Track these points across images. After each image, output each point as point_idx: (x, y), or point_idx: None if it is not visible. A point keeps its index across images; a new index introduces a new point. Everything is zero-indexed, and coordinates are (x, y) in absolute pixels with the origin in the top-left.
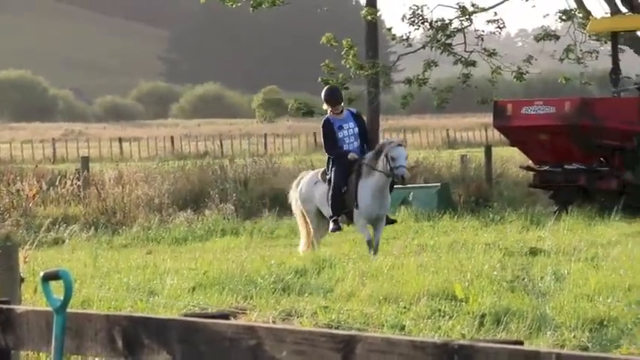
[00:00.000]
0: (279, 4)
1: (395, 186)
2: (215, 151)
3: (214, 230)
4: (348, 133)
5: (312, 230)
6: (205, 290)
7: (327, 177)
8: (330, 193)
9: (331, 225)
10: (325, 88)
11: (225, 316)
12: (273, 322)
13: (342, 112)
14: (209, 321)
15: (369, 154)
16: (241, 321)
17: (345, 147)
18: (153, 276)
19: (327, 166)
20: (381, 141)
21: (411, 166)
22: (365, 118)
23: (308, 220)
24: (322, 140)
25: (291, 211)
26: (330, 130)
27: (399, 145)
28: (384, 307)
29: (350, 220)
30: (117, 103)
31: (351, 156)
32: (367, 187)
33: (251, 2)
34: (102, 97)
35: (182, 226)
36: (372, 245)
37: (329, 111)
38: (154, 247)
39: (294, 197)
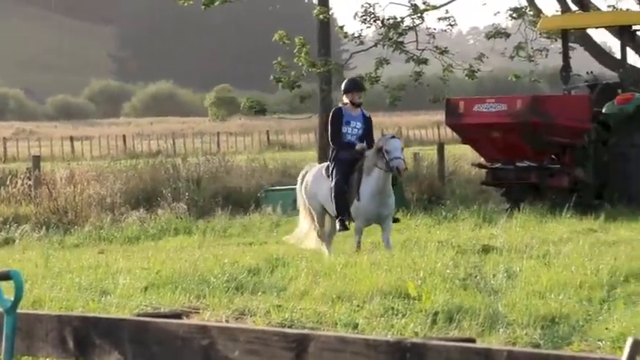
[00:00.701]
0: (231, 1)
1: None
2: (168, 149)
3: (167, 229)
4: (352, 132)
5: (317, 227)
6: (158, 290)
7: (330, 172)
8: (332, 194)
9: (338, 225)
10: (346, 79)
11: (178, 316)
12: (226, 322)
13: (359, 105)
14: (161, 320)
15: (370, 152)
16: (194, 320)
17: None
18: (105, 276)
19: (330, 161)
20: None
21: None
22: (317, 116)
23: (315, 216)
24: (329, 128)
25: (245, 209)
26: (337, 120)
27: (393, 137)
28: (337, 306)
29: (352, 219)
30: (68, 102)
31: (360, 146)
32: (368, 186)
33: (203, 0)
34: (53, 97)
35: (134, 226)
36: (359, 247)
37: (348, 103)
38: (106, 246)
39: (299, 191)
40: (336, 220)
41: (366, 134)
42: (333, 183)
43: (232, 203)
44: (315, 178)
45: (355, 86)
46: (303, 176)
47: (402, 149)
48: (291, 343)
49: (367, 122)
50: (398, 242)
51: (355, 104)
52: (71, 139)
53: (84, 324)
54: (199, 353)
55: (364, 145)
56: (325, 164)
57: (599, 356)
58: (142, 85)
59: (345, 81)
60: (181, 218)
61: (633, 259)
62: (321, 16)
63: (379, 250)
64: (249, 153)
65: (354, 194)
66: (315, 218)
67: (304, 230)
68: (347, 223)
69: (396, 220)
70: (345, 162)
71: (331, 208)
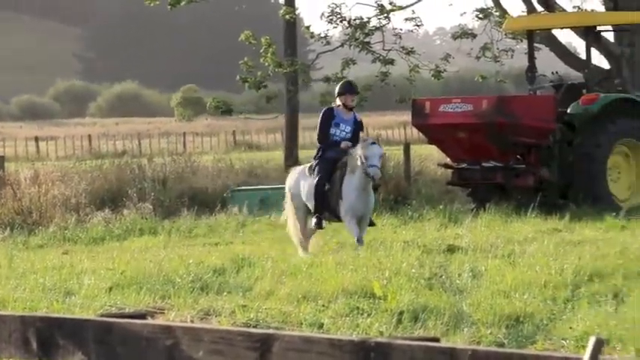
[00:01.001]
0: (197, 1)
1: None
2: (133, 150)
3: (132, 230)
4: (340, 134)
5: (299, 227)
6: (123, 290)
7: (313, 170)
8: (313, 191)
9: (313, 221)
10: (341, 82)
11: (142, 316)
12: (191, 322)
13: (352, 109)
14: (125, 321)
15: (354, 150)
16: (158, 321)
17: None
18: (69, 276)
19: (314, 159)
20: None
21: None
22: (283, 116)
23: (297, 216)
24: (318, 127)
25: (211, 209)
26: (327, 120)
27: (373, 143)
28: (302, 306)
29: (333, 217)
30: (33, 101)
31: (345, 144)
32: (352, 185)
33: (169, 0)
34: (18, 97)
35: (100, 226)
36: (360, 240)
37: (340, 105)
38: (70, 247)
39: (286, 189)
40: (313, 217)
41: (354, 138)
42: (315, 180)
43: (198, 203)
44: (299, 176)
45: (349, 89)
46: (289, 177)
47: (381, 157)
48: (255, 342)
49: (357, 126)
50: (364, 242)
51: (348, 107)
52: (36, 139)
53: (47, 324)
54: (164, 353)
55: (349, 143)
56: (310, 163)
57: (562, 355)
58: (108, 85)
59: (340, 83)
60: (147, 219)
61: (597, 258)
62: (287, 17)
63: (345, 250)
64: (215, 153)
65: (338, 192)
66: (298, 218)
67: (289, 226)
68: (324, 221)
69: (371, 224)
70: (329, 160)
71: (312, 205)
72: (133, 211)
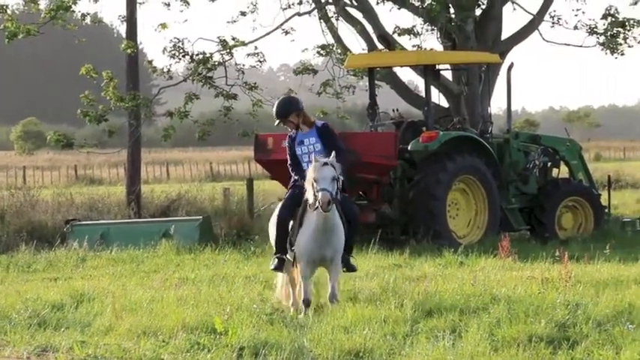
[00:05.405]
0: (35, 34)
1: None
2: None
3: None
4: (309, 150)
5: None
6: None
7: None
8: (275, 220)
9: (273, 262)
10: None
11: None
12: (28, 358)
13: (298, 127)
14: None
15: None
16: None
17: (305, 166)
18: None
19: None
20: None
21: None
22: (126, 151)
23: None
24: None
25: (50, 243)
26: (290, 148)
27: (324, 164)
28: (142, 341)
29: None
30: None
31: (317, 159)
32: (309, 221)
33: (6, 34)
34: None
35: None
36: (306, 302)
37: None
38: None
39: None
40: (274, 257)
41: (328, 145)
42: (276, 210)
43: (37, 238)
44: (275, 211)
45: (276, 113)
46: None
47: (336, 179)
48: None
49: (322, 133)
50: (205, 277)
51: (295, 128)
52: None
53: None
54: None
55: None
56: None
57: None
58: None
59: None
60: None
61: (436, 293)
62: (128, 50)
63: (187, 286)
64: (55, 187)
65: (296, 230)
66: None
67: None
68: (283, 263)
69: (351, 268)
70: (295, 190)
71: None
72: None
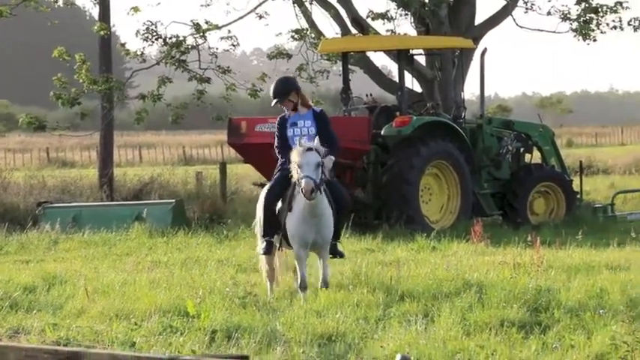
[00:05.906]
0: (7, 17)
1: (127, 202)
2: None
3: None
4: (302, 132)
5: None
6: None
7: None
8: (262, 204)
9: (260, 246)
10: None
11: None
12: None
13: (295, 109)
14: None
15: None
16: None
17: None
18: None
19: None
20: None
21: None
22: (99, 134)
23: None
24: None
25: (22, 226)
26: (281, 128)
27: (309, 149)
28: (114, 324)
29: (288, 245)
30: None
31: (302, 143)
32: (298, 203)
33: None
34: None
35: None
36: (302, 285)
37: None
38: None
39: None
40: (261, 241)
41: (322, 131)
42: (263, 192)
43: (9, 220)
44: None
45: (276, 93)
46: None
47: (320, 165)
48: None
49: (318, 118)
50: (178, 261)
51: (294, 108)
52: None
53: None
54: None
55: (306, 142)
56: None
57: None
58: None
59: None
60: None
61: (409, 278)
62: (101, 32)
63: (159, 269)
64: (27, 170)
65: (286, 212)
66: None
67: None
68: (279, 246)
69: (338, 254)
70: (283, 173)
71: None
72: None
